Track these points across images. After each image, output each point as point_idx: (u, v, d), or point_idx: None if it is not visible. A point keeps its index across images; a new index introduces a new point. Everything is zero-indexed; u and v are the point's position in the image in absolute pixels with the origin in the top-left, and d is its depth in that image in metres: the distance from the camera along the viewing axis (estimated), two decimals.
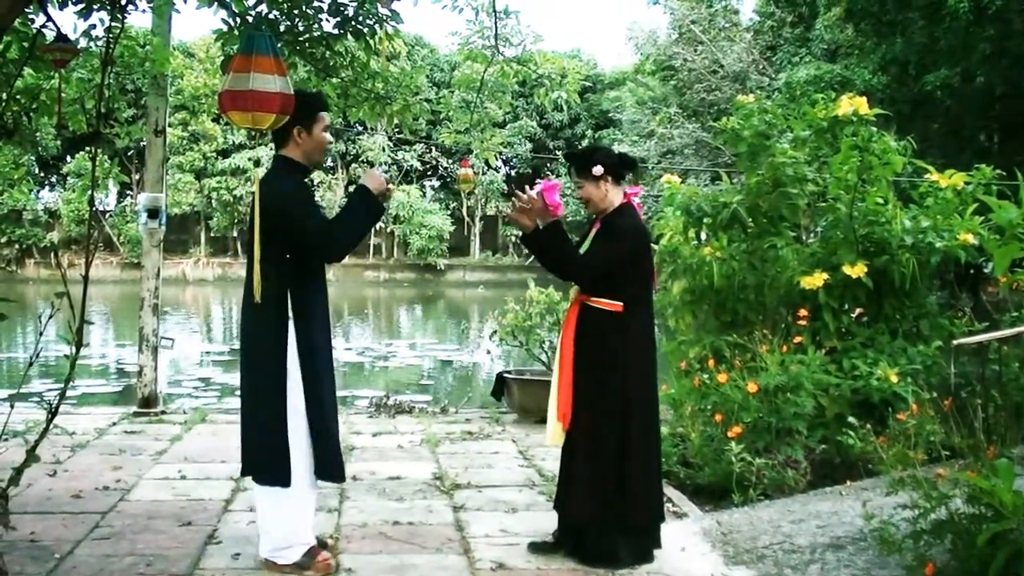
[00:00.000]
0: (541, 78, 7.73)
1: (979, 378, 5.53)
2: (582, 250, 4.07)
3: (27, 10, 4.50)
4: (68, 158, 34.09)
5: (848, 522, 4.31)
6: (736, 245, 6.37)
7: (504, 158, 39.50)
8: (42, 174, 37.32)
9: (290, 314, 3.71)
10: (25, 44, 4.97)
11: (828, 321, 5.80)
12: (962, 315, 6.11)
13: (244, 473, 3.93)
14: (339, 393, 3.99)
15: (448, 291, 36.02)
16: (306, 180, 3.96)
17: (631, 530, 3.96)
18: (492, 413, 7.75)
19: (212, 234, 38.75)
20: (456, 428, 7.07)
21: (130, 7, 4.67)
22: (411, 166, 38.39)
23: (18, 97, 5.57)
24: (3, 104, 5.19)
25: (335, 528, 4.41)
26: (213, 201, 37.38)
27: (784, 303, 6.13)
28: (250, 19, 5.21)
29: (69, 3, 4.81)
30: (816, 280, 5.77)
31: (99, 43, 5.22)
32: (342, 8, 5.42)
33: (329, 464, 3.80)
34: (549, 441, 4.15)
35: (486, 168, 32.29)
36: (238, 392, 3.98)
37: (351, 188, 33.83)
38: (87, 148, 26.85)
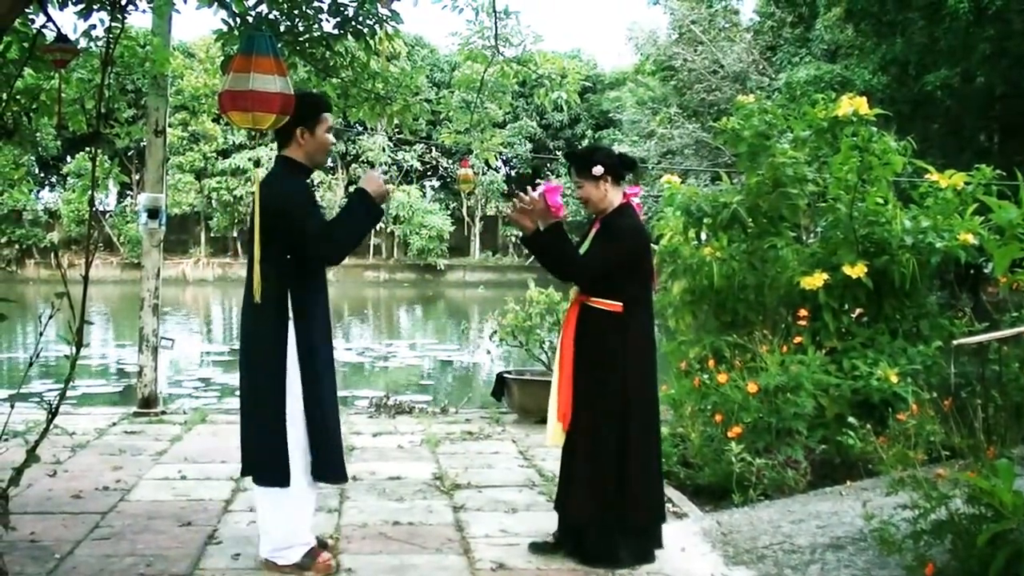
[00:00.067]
0: (541, 78, 7.73)
1: (979, 378, 5.53)
2: (581, 250, 4.07)
3: (27, 10, 4.50)
4: (68, 158, 34.12)
5: (848, 522, 4.31)
6: (736, 245, 6.37)
7: (504, 158, 39.52)
8: (42, 174, 37.34)
9: (290, 314, 3.71)
10: (25, 44, 4.97)
11: (828, 321, 5.80)
12: (962, 315, 6.11)
13: (244, 473, 3.93)
14: (339, 393, 3.98)
15: (448, 291, 36.03)
16: (308, 181, 3.95)
17: (631, 530, 3.96)
18: (492, 413, 7.75)
19: (212, 234, 38.76)
20: (456, 428, 7.07)
21: (130, 7, 4.68)
22: (411, 166, 38.39)
23: (18, 97, 5.56)
24: (3, 104, 5.19)
25: (335, 528, 4.41)
26: (213, 201, 37.39)
27: (784, 303, 6.13)
28: (250, 19, 5.21)
29: (69, 3, 4.81)
30: (816, 280, 5.77)
31: (99, 43, 5.21)
32: (342, 8, 5.42)
33: (327, 465, 3.79)
34: (549, 441, 4.15)
35: (486, 168, 32.29)
36: (238, 392, 3.98)
37: (351, 188, 33.76)
38: (87, 148, 26.87)
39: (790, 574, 3.83)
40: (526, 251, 4.65)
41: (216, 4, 5.22)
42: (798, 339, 5.65)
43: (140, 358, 7.63)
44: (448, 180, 39.09)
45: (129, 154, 31.68)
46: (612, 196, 4.07)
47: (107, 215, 37.13)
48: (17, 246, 35.91)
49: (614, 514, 3.92)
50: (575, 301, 4.10)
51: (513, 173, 40.87)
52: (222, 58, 5.61)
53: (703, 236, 6.56)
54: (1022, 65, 13.83)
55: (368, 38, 5.61)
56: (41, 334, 3.56)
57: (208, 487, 5.15)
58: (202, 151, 36.52)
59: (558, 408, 4.03)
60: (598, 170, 4.01)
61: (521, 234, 4.08)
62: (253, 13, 5.23)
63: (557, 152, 36.01)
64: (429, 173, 40.22)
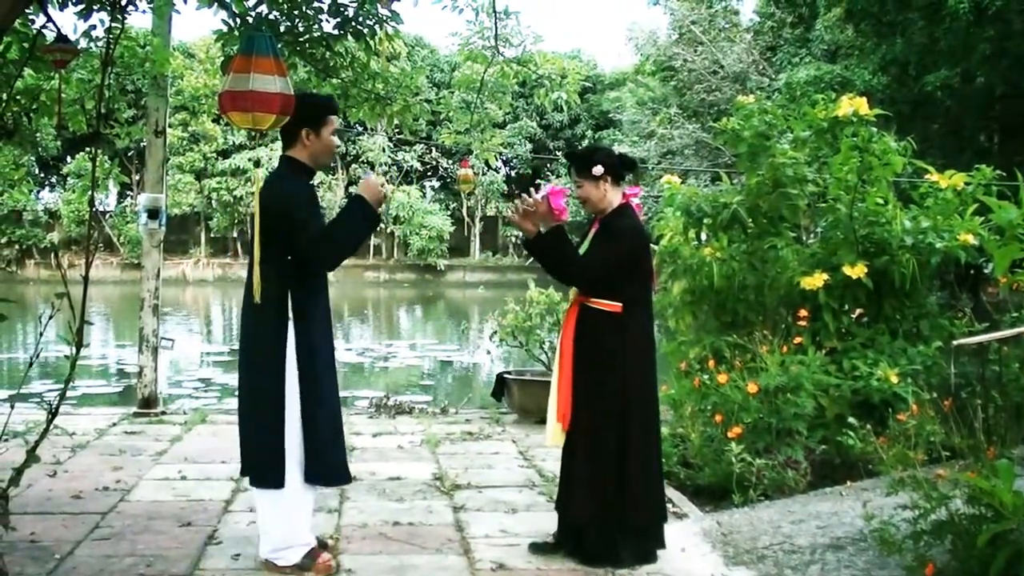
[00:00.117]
0: (541, 79, 7.74)
1: (979, 379, 5.53)
2: (581, 250, 4.07)
3: (27, 11, 4.50)
4: (68, 159, 34.14)
5: (848, 523, 4.31)
6: (736, 246, 6.37)
7: (504, 159, 39.53)
8: (42, 175, 37.35)
9: (290, 315, 3.70)
10: (25, 45, 4.97)
11: (828, 321, 5.80)
12: (962, 315, 6.11)
13: (243, 473, 3.94)
14: (340, 394, 3.97)
15: (448, 291, 36.03)
16: (311, 183, 3.94)
17: (631, 530, 3.96)
18: (492, 414, 7.75)
19: (212, 235, 38.77)
20: (456, 428, 7.07)
21: (130, 8, 4.68)
22: (411, 167, 38.39)
23: (18, 97, 5.56)
24: (3, 104, 5.19)
25: (335, 529, 4.41)
26: (213, 202, 37.40)
27: (784, 303, 6.13)
28: (250, 20, 5.21)
29: (69, 4, 4.81)
30: (816, 280, 5.77)
31: (99, 44, 5.21)
32: (342, 9, 5.42)
33: (321, 467, 3.75)
34: (548, 442, 4.15)
35: (486, 169, 32.28)
36: (237, 392, 3.97)
37: (351, 189, 33.76)
38: (87, 149, 26.89)
39: (790, 574, 3.83)
40: (526, 251, 4.65)
41: (216, 4, 5.22)
42: (798, 339, 5.65)
43: (140, 358, 7.63)
44: (448, 180, 39.10)
45: (129, 154, 31.69)
46: (611, 196, 4.07)
47: (107, 215, 37.13)
48: (17, 246, 35.91)
49: (614, 514, 3.92)
50: (574, 301, 4.10)
51: (513, 173, 40.86)
52: (222, 58, 5.61)
53: (703, 236, 6.56)
54: (1022, 65, 13.83)
55: (368, 38, 5.61)
56: (41, 334, 3.56)
57: (208, 487, 5.15)
58: (202, 151, 36.53)
59: (557, 409, 4.03)
60: (598, 170, 4.01)
61: (522, 235, 4.08)
62: (253, 13, 5.23)
63: (557, 152, 36.02)
64: (429, 173, 40.22)
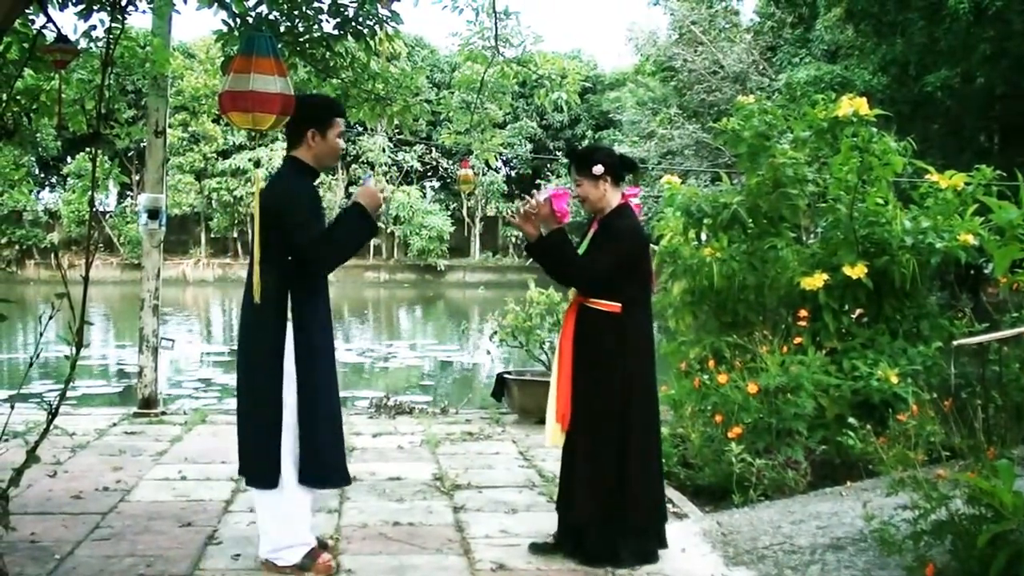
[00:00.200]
0: (541, 79, 7.74)
1: (979, 379, 5.53)
2: (580, 250, 4.07)
3: (27, 11, 4.50)
4: (68, 159, 34.16)
5: (848, 523, 4.31)
6: (736, 246, 6.36)
7: (504, 159, 39.52)
8: (42, 175, 37.35)
9: (289, 316, 3.70)
10: (25, 45, 4.98)
11: (828, 322, 5.79)
12: (962, 316, 6.11)
13: (240, 473, 3.94)
14: (340, 394, 3.96)
15: (448, 292, 36.03)
16: (314, 185, 3.93)
17: (631, 530, 3.96)
18: (492, 414, 7.75)
19: (212, 235, 38.77)
20: (456, 429, 7.07)
21: (130, 8, 4.67)
22: (411, 167, 38.39)
23: (18, 98, 5.56)
24: (3, 105, 5.19)
25: (335, 529, 4.41)
26: (213, 202, 37.41)
27: (784, 304, 6.13)
28: (250, 20, 5.21)
29: (69, 4, 4.81)
30: (816, 281, 5.77)
31: (99, 44, 5.21)
32: (342, 9, 5.42)
33: (316, 469, 3.73)
34: (548, 443, 4.15)
35: (486, 169, 32.27)
36: (236, 392, 3.97)
37: (351, 189, 33.71)
38: (87, 149, 26.87)
39: (790, 574, 3.83)
40: (526, 253, 4.67)
41: (216, 5, 5.22)
42: (798, 339, 5.65)
43: (140, 359, 7.63)
44: (448, 181, 39.09)
45: (129, 155, 31.68)
46: (611, 196, 4.07)
47: (107, 216, 37.12)
48: (17, 247, 35.91)
49: (614, 514, 3.92)
50: (573, 302, 4.10)
51: (513, 174, 40.86)
52: (222, 59, 5.61)
53: (703, 237, 6.56)
54: (1022, 65, 13.82)
55: (368, 39, 5.61)
56: (41, 335, 3.56)
57: (208, 487, 5.15)
58: (202, 152, 36.53)
59: (556, 409, 4.03)
60: (598, 169, 4.01)
61: (522, 235, 4.08)
62: (253, 14, 5.22)
63: (557, 153, 36.03)
64: (429, 174, 40.21)
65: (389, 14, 5.55)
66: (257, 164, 33.32)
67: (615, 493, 3.92)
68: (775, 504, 4.81)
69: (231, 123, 3.56)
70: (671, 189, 6.78)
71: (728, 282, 6.22)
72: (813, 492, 4.98)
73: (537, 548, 4.09)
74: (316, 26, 5.53)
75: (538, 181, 34.33)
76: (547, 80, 7.74)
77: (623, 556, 3.92)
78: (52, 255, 34.28)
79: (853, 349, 5.77)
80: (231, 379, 11.68)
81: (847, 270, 5.76)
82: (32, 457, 3.54)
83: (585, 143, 35.18)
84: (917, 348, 5.73)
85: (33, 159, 30.97)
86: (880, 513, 3.84)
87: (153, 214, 7.57)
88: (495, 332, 8.32)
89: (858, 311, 5.84)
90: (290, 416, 3.70)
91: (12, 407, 4.52)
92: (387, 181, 37.01)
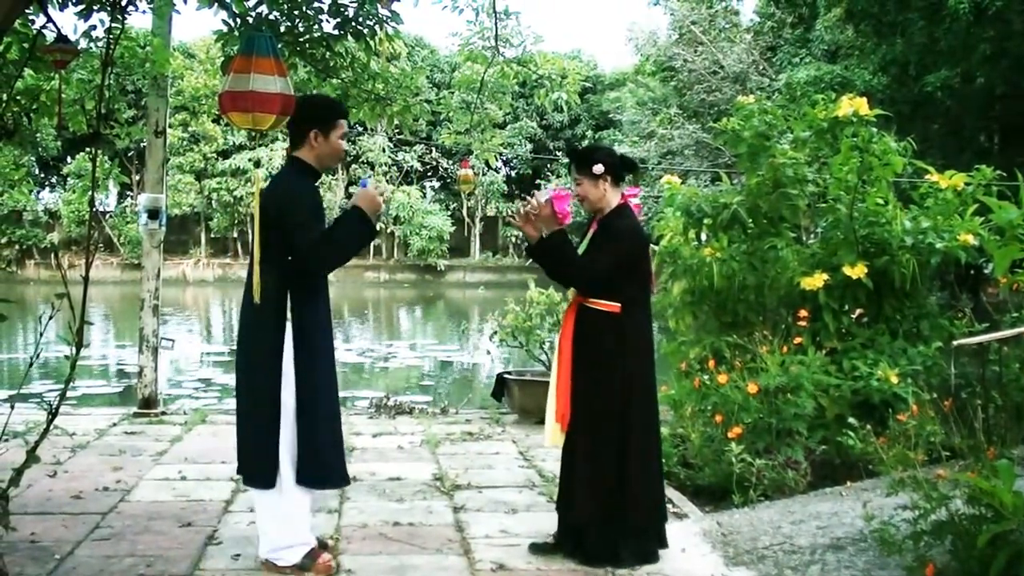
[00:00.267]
0: (541, 79, 7.75)
1: (979, 379, 5.53)
2: (579, 250, 4.07)
3: (27, 11, 4.50)
4: (68, 159, 34.16)
5: (848, 523, 4.31)
6: (736, 246, 6.36)
7: (504, 159, 39.51)
8: (42, 175, 37.36)
9: (289, 316, 3.70)
10: (25, 45, 4.98)
11: (828, 322, 5.79)
12: (962, 316, 6.11)
13: (238, 472, 3.94)
14: (340, 394, 3.96)
15: (448, 292, 36.03)
16: (315, 184, 3.93)
17: (631, 530, 3.96)
18: (492, 414, 7.75)
19: (212, 235, 38.77)
20: (456, 429, 7.07)
21: (130, 8, 4.67)
22: (411, 167, 38.38)
23: (18, 98, 5.56)
24: (3, 105, 5.19)
25: (335, 529, 4.41)
26: (213, 202, 37.41)
27: (784, 304, 6.13)
28: (250, 20, 5.21)
29: (69, 4, 4.81)
30: (816, 281, 5.77)
31: (99, 44, 5.21)
32: (342, 9, 5.42)
33: (314, 469, 3.73)
34: (547, 443, 4.15)
35: (486, 169, 32.26)
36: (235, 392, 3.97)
37: (351, 189, 33.66)
38: (87, 149, 26.88)
39: (790, 575, 3.83)
40: (527, 254, 4.68)
41: (216, 5, 5.22)
42: (798, 340, 5.65)
43: (140, 359, 7.63)
44: (448, 181, 39.08)
45: (129, 155, 31.68)
46: (610, 196, 4.07)
47: (107, 216, 37.12)
48: (17, 246, 35.90)
49: (615, 514, 3.92)
50: (573, 302, 4.10)
51: (513, 174, 40.85)
52: (222, 59, 5.61)
53: (703, 237, 6.56)
54: (1022, 65, 13.82)
55: (368, 39, 5.61)
56: (41, 335, 3.57)
57: (208, 487, 5.15)
58: (202, 152, 36.53)
59: (556, 409, 4.03)
60: (598, 169, 4.01)
61: (522, 236, 4.08)
62: (253, 14, 5.22)
63: (557, 153, 36.03)
64: (429, 174, 40.21)
65: (389, 14, 5.55)
66: (257, 164, 33.32)
67: (615, 493, 3.92)
68: (775, 504, 4.81)
69: (231, 123, 3.56)
70: (671, 189, 6.78)
71: (728, 282, 6.22)
72: (813, 492, 4.98)
73: (537, 548, 4.09)
74: (316, 26, 5.53)
75: (538, 181, 34.37)
76: (547, 80, 7.75)
77: (623, 556, 3.92)
78: (52, 255, 34.26)
79: (853, 349, 5.77)
80: (231, 379, 11.67)
81: (847, 270, 5.76)
82: (32, 457, 3.54)
83: (585, 143, 35.15)
84: (917, 348, 5.73)
85: (33, 159, 30.97)
86: (880, 513, 3.84)
87: (153, 214, 7.57)
88: (495, 332, 8.32)
89: (858, 311, 5.84)
90: (288, 416, 3.69)
91: (12, 407, 4.52)
92: (387, 181, 37.01)
